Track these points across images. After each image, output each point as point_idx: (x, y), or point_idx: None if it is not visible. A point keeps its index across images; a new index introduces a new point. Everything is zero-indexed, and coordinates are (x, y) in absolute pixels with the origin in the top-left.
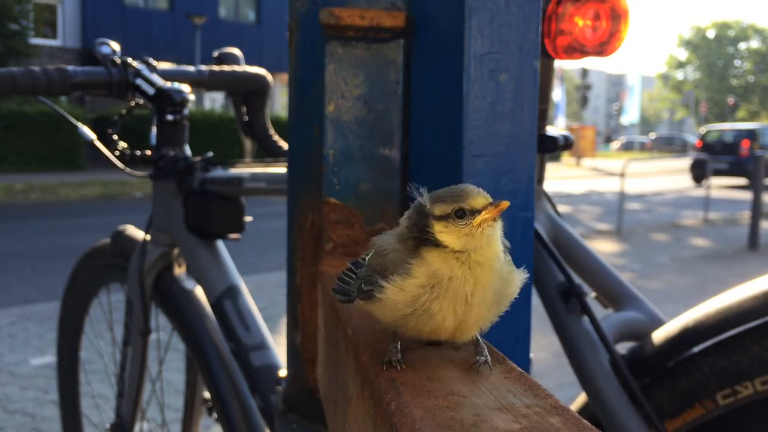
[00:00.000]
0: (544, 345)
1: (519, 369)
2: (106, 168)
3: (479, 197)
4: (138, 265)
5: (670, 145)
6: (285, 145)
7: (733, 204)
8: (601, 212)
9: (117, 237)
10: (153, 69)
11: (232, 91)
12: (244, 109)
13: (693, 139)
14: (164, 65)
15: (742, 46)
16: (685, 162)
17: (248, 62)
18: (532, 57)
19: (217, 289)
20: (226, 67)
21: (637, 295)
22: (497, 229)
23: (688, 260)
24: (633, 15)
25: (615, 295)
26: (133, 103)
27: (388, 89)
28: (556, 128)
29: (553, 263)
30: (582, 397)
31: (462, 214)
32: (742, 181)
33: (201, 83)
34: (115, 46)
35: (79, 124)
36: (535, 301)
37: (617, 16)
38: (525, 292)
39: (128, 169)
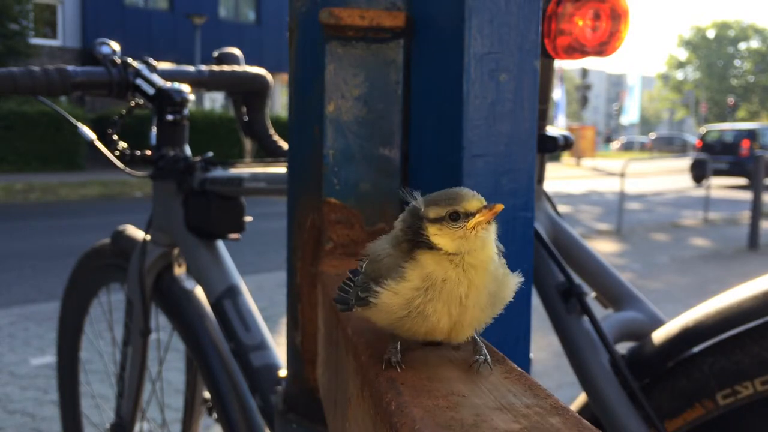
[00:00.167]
0: (544, 345)
1: (519, 369)
2: (106, 168)
3: (474, 200)
4: (138, 265)
5: (670, 145)
6: (285, 145)
7: (733, 204)
8: (601, 212)
9: (117, 237)
10: (153, 69)
11: (232, 91)
12: (244, 109)
13: (693, 139)
14: (164, 65)
15: (742, 46)
16: (685, 162)
17: (248, 62)
18: (532, 57)
19: (217, 289)
20: (226, 67)
21: (637, 295)
22: (491, 232)
23: (688, 260)
24: (633, 15)
25: (615, 295)
26: (133, 103)
27: (388, 89)
28: (556, 128)
29: (553, 263)
30: (582, 397)
31: (456, 217)
32: (742, 181)
33: (201, 83)
34: (115, 46)
35: (79, 124)
36: (535, 301)
37: (617, 16)
38: (525, 292)
39: (128, 169)
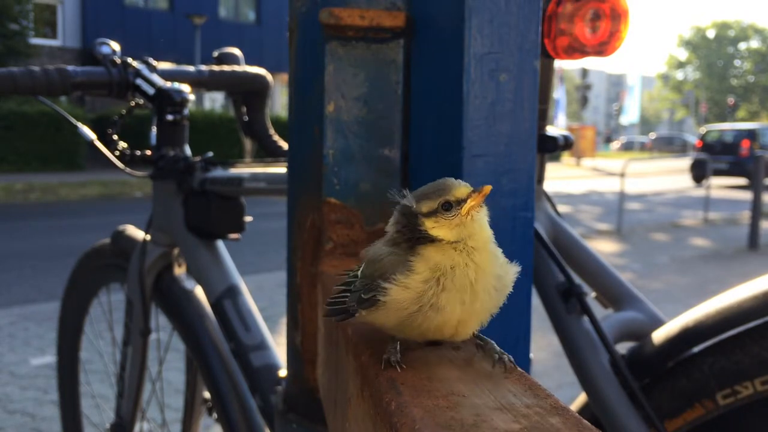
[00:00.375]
0: (544, 345)
1: (519, 369)
2: (106, 168)
3: (461, 187)
4: (138, 265)
5: (670, 145)
6: (285, 145)
7: (733, 204)
8: (601, 212)
9: (117, 237)
10: (153, 69)
11: (232, 91)
12: (244, 109)
13: (693, 139)
14: (164, 65)
15: (742, 46)
16: (685, 162)
17: (248, 62)
18: (532, 57)
19: (217, 289)
20: (226, 67)
21: (637, 295)
22: (484, 215)
23: (688, 260)
24: (633, 15)
25: (615, 295)
26: (133, 103)
27: (388, 89)
28: (556, 128)
29: (553, 263)
30: (582, 397)
31: (449, 207)
32: (742, 181)
33: (201, 83)
34: (115, 46)
35: (79, 124)
36: (535, 301)
37: (617, 16)
38: (525, 292)
39: (128, 169)
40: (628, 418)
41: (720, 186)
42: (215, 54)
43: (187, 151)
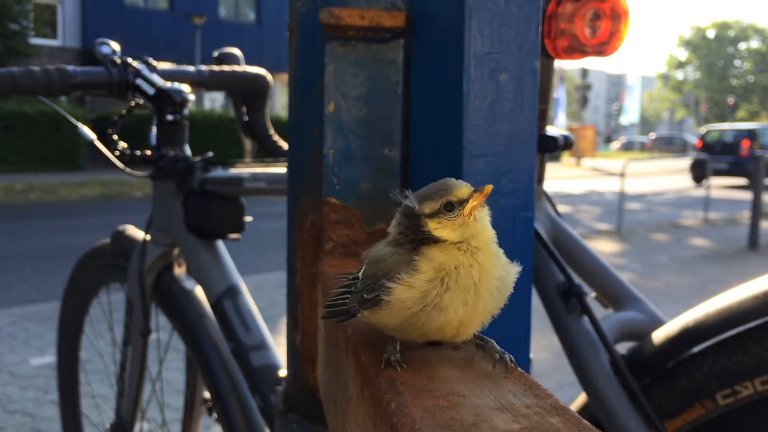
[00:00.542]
0: (544, 345)
1: (519, 369)
2: (106, 168)
3: (463, 187)
4: (138, 265)
5: (670, 145)
6: (285, 145)
7: (733, 204)
8: (601, 212)
9: (117, 237)
10: (153, 69)
11: (232, 91)
12: (244, 109)
13: (693, 139)
14: (164, 65)
15: (742, 46)
16: (685, 162)
17: (248, 62)
18: (532, 57)
19: (217, 289)
20: (226, 67)
21: (637, 295)
22: (486, 214)
23: (688, 260)
24: (633, 15)
25: (615, 295)
26: (133, 103)
27: (388, 89)
28: (556, 128)
29: (553, 263)
30: (582, 397)
31: (451, 207)
32: (742, 181)
33: (201, 83)
34: (115, 46)
35: (79, 124)
36: (535, 301)
37: (617, 16)
38: (525, 292)
39: (128, 169)
40: (628, 418)
41: (720, 186)
42: (215, 54)
43: (187, 151)
